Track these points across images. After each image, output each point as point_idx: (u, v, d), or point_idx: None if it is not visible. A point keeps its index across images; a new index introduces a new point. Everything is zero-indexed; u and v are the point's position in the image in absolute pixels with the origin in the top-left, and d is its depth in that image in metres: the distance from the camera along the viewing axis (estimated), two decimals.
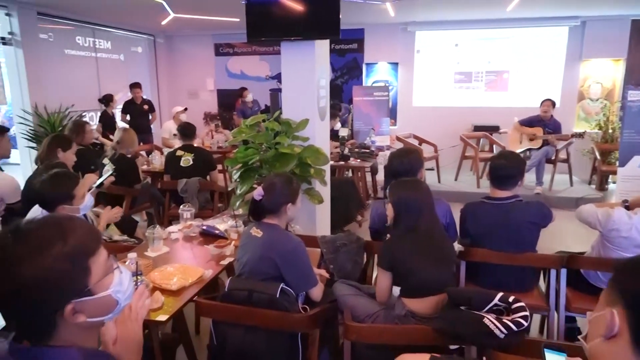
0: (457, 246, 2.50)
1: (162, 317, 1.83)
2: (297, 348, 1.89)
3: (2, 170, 3.21)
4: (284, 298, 1.85)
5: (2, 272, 0.83)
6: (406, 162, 2.50)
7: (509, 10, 6.30)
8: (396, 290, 2.06)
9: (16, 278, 0.83)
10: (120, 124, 6.86)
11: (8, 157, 3.36)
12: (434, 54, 8.03)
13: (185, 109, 6.51)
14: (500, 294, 1.66)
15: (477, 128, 7.49)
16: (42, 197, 2.27)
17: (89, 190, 3.36)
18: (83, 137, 4.23)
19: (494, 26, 7.58)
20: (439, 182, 6.54)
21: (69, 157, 3.45)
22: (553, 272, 2.41)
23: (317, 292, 2.05)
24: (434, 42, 8.00)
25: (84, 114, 7.00)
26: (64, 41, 6.96)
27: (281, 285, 1.87)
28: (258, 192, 2.09)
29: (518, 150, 6.21)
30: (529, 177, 6.09)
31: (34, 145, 5.98)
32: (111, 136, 5.22)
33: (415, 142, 6.70)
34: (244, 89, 7.54)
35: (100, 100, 6.87)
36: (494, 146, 6.72)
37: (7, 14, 5.86)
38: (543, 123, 6.02)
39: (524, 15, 7.06)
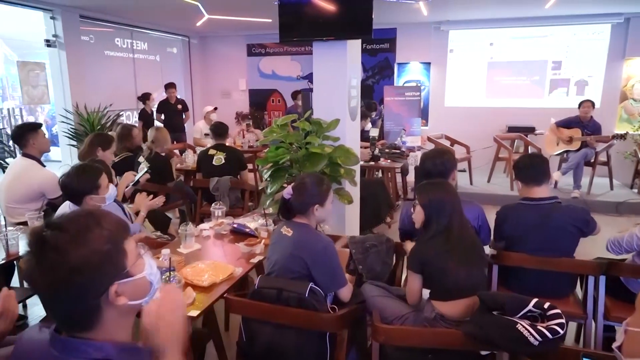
0: (488, 250, 2.45)
1: (194, 313, 1.86)
2: (325, 348, 1.89)
3: (44, 167, 3.35)
4: (313, 297, 1.86)
5: (51, 261, 0.86)
6: (439, 164, 2.46)
7: (547, 7, 6.11)
8: (425, 292, 2.04)
9: (66, 264, 0.86)
10: (156, 122, 7.05)
11: (48, 151, 3.51)
12: (467, 53, 7.88)
13: (215, 109, 6.63)
14: (534, 300, 1.62)
15: (511, 129, 7.30)
16: (70, 190, 2.39)
17: (126, 187, 3.48)
18: (132, 142, 4.34)
19: (531, 24, 7.36)
20: (471, 184, 6.42)
21: (107, 156, 3.57)
22: (591, 279, 2.32)
23: (346, 293, 2.04)
24: (468, 41, 7.85)
25: (121, 112, 7.24)
26: (104, 43, 7.22)
27: (310, 284, 1.87)
28: (287, 191, 2.11)
29: (555, 153, 6.03)
30: (566, 180, 5.90)
31: (75, 143, 6.23)
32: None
33: (447, 143, 6.59)
34: (298, 92, 7.53)
35: (139, 98, 7.09)
36: (529, 148, 6.53)
37: (51, 17, 6.13)
38: (582, 124, 5.80)
39: (563, 13, 6.82)
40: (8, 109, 7.63)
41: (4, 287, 2.59)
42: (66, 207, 2.47)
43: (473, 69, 7.89)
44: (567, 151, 5.93)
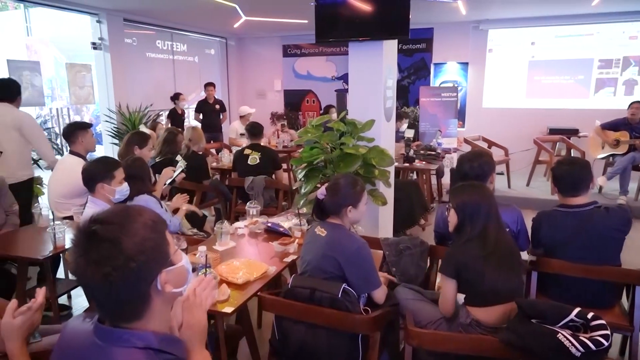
0: (525, 256, 2.37)
1: (228, 309, 1.90)
2: (357, 350, 1.89)
3: None
4: (346, 298, 1.85)
5: (107, 252, 0.89)
6: (477, 166, 2.40)
7: (593, 5, 5.85)
8: (460, 297, 2.00)
9: (122, 253, 0.89)
10: (193, 122, 7.22)
11: (93, 150, 3.66)
12: (507, 52, 7.66)
13: (253, 111, 6.74)
14: (577, 309, 1.55)
15: (553, 131, 7.04)
16: (86, 174, 2.55)
17: (164, 185, 3.58)
18: (176, 147, 4.36)
19: (576, 22, 7.08)
20: (509, 187, 6.24)
21: (145, 153, 3.68)
22: (638, 289, 2.21)
23: (379, 294, 2.03)
24: (508, 40, 7.64)
25: (160, 112, 7.45)
26: (145, 45, 7.47)
27: (343, 285, 1.87)
28: (321, 192, 2.11)
29: (600, 156, 5.78)
30: (612, 185, 5.64)
31: (117, 141, 6.47)
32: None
33: (484, 145, 6.43)
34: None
35: (171, 98, 7.28)
36: (572, 151, 6.28)
37: (97, 21, 6.40)
38: (630, 127, 5.52)
39: (611, 10, 6.52)
40: (57, 109, 8.00)
41: (50, 279, 2.71)
42: (89, 211, 2.57)
43: (513, 69, 7.67)
44: (613, 155, 5.66)
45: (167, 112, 7.22)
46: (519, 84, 7.68)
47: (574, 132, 6.91)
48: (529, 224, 2.46)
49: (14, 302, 1.24)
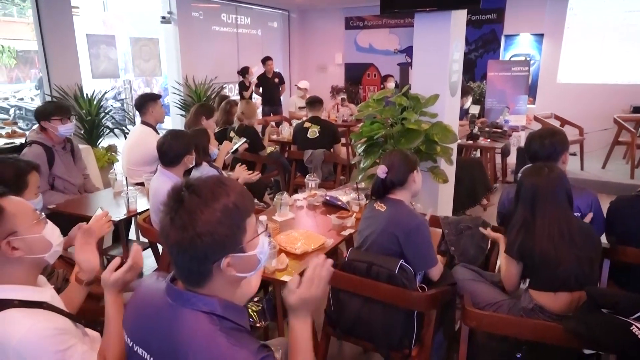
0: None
1: (286, 278, 1.95)
2: (412, 327, 1.88)
3: (159, 135, 3.67)
4: (403, 275, 1.84)
5: (183, 222, 0.95)
6: (548, 145, 2.25)
7: None
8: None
9: (194, 228, 0.94)
10: (254, 96, 7.34)
11: (162, 121, 3.84)
12: (590, 22, 7.03)
13: (305, 90, 6.78)
14: None
15: (637, 109, 6.44)
16: (176, 150, 2.54)
17: (226, 155, 3.70)
18: (232, 115, 4.58)
19: None
20: (582, 169, 5.83)
21: (210, 124, 3.83)
22: None
23: (435, 272, 2.00)
24: (592, 8, 6.99)
25: (224, 85, 7.64)
26: (211, 18, 7.64)
27: (400, 261, 1.86)
28: (382, 171, 2.07)
29: None
30: None
31: (183, 113, 6.75)
32: None
33: (557, 124, 6.02)
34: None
35: (239, 72, 7.42)
36: None
37: None
38: None
39: None
40: (129, 81, 8.44)
41: (123, 240, 2.91)
42: (156, 183, 2.67)
43: (595, 40, 7.04)
44: None
45: (232, 86, 7.36)
46: (601, 56, 7.05)
47: None
48: (604, 209, 2.30)
49: (116, 260, 1.32)
